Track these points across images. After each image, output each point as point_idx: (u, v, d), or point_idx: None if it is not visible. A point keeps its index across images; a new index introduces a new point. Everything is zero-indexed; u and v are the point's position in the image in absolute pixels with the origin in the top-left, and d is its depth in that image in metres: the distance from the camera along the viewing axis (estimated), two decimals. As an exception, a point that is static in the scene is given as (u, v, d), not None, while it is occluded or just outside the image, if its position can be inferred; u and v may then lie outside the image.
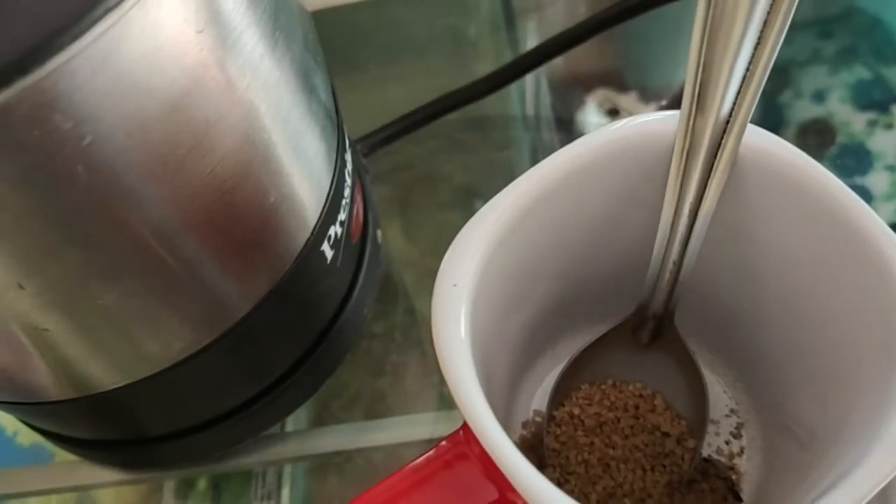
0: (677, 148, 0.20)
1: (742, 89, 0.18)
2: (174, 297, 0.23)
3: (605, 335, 0.25)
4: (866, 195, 0.35)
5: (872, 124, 0.37)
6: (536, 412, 0.28)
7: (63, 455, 0.34)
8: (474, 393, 0.18)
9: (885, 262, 0.19)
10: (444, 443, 0.20)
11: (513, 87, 0.39)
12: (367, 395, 0.33)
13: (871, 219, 0.19)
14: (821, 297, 0.22)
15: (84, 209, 0.18)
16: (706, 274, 0.23)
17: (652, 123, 0.21)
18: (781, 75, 0.39)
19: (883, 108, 0.37)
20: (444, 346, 0.19)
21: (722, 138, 0.20)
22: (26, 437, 0.35)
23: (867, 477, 0.18)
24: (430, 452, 0.20)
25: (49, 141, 0.16)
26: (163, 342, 0.24)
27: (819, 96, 0.38)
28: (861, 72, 0.38)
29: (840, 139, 0.37)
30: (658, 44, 0.42)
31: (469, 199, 0.35)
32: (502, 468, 0.18)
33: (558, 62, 0.41)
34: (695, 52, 0.18)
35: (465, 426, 0.20)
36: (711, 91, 0.19)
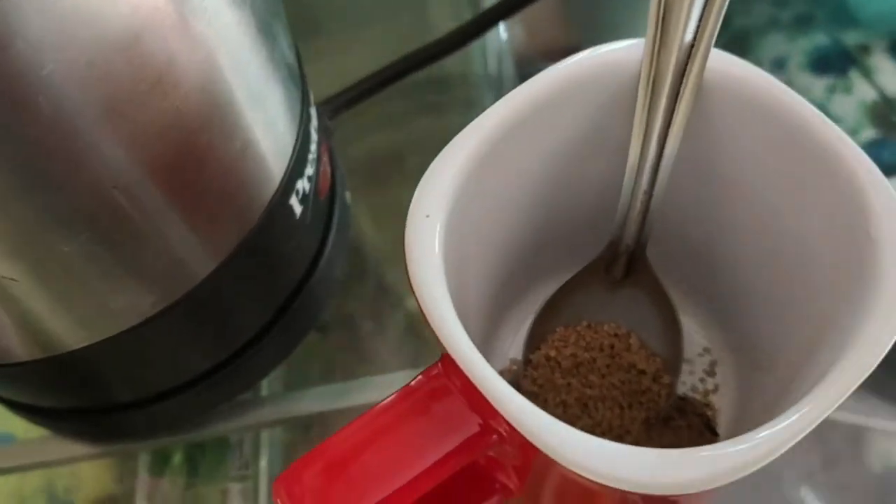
0: (643, 75, 0.20)
1: (705, 13, 0.19)
2: (138, 249, 0.22)
3: (578, 274, 0.25)
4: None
5: (831, 89, 0.37)
6: (513, 360, 0.28)
7: (29, 436, 0.33)
8: (452, 321, 0.18)
9: (855, 181, 0.19)
10: (420, 377, 0.20)
11: (475, 51, 0.39)
12: (343, 357, 0.33)
13: (840, 138, 0.20)
14: (791, 224, 0.22)
15: (46, 145, 0.18)
16: (676, 207, 0.24)
17: (616, 52, 0.21)
18: (741, 43, 0.39)
19: (841, 72, 0.38)
20: (419, 277, 0.19)
21: (687, 64, 0.20)
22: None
23: (837, 381, 0.18)
24: (407, 386, 0.20)
25: (9, 67, 0.16)
26: (128, 298, 0.24)
27: (778, 63, 0.39)
28: (818, 37, 0.39)
29: None
30: (616, 10, 0.43)
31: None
32: (485, 393, 0.18)
33: (519, 33, 0.41)
34: (657, -26, 0.18)
35: (443, 358, 0.20)
36: (675, 16, 0.19)
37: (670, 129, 0.21)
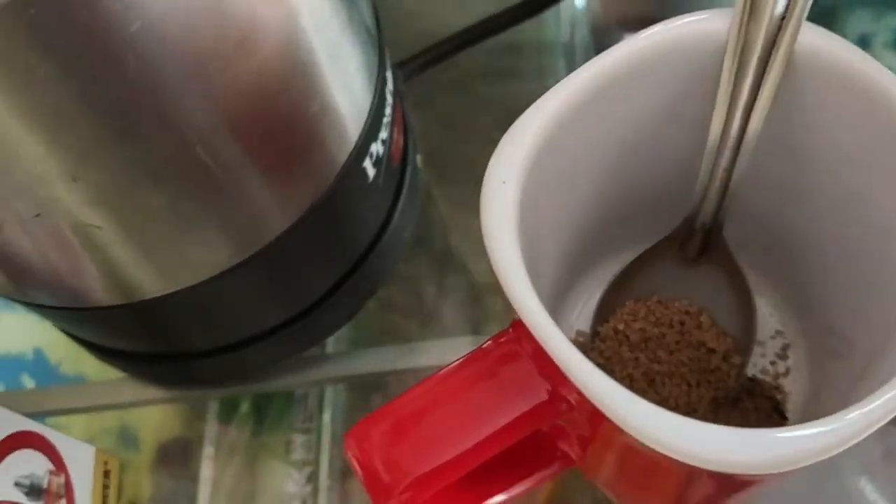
0: (730, 46, 0.20)
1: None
2: (218, 204, 0.23)
3: (651, 249, 0.25)
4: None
5: None
6: (579, 332, 0.27)
7: (101, 377, 0.34)
8: (526, 287, 0.18)
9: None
10: (490, 342, 0.20)
11: (549, 18, 0.38)
12: (408, 319, 0.34)
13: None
14: (876, 207, 0.21)
15: (134, 101, 0.18)
16: (756, 185, 0.23)
17: (701, 23, 0.20)
18: (827, 20, 0.38)
19: None
20: (494, 242, 0.19)
21: (776, 36, 0.19)
22: (69, 366, 0.36)
23: None
24: (477, 350, 0.20)
25: (99, 24, 0.16)
26: (206, 250, 0.24)
27: (863, 41, 0.37)
28: None
29: None
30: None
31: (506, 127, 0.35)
32: (558, 361, 0.18)
33: (596, 6, 0.40)
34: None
35: (514, 324, 0.20)
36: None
37: (756, 104, 0.20)
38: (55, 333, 0.32)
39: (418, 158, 0.34)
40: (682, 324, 0.25)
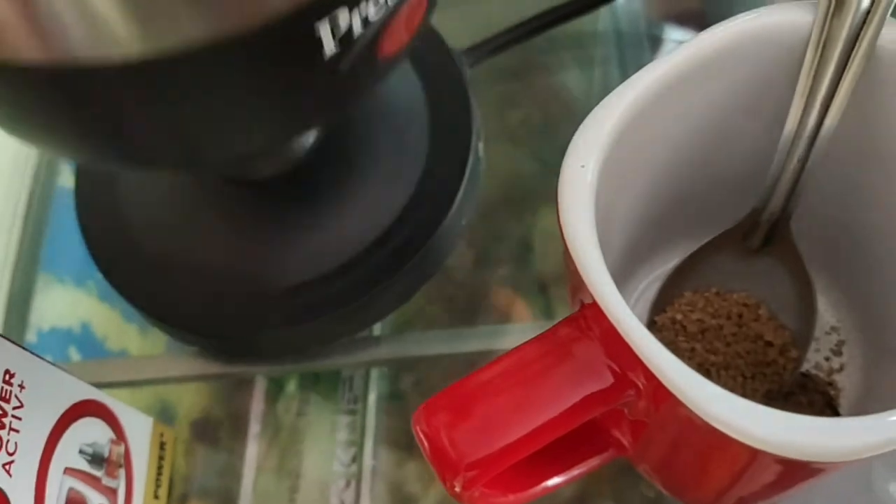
0: (813, 39, 0.20)
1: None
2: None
3: (714, 240, 0.25)
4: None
5: None
6: (634, 321, 0.28)
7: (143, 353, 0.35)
8: (602, 270, 0.19)
9: None
10: (559, 324, 0.20)
11: (602, 11, 0.39)
12: (459, 303, 0.34)
13: None
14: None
15: None
16: (823, 179, 0.23)
17: (786, 13, 0.20)
18: None
19: None
20: (572, 223, 0.19)
21: (860, 30, 0.19)
22: (114, 341, 0.36)
23: None
24: (547, 332, 0.20)
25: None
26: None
27: None
28: None
29: None
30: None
31: (571, 114, 0.35)
32: (632, 343, 0.18)
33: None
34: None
35: (584, 307, 0.20)
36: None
37: (834, 99, 0.20)
38: (103, 308, 0.32)
39: (480, 146, 0.34)
40: (740, 316, 0.25)
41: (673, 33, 0.38)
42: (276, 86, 0.21)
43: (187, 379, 0.34)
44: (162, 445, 0.30)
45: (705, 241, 0.26)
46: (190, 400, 0.34)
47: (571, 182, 0.19)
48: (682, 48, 0.20)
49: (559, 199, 0.19)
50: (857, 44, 0.19)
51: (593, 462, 0.25)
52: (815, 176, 0.22)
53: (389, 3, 0.22)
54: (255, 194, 0.31)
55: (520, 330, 0.33)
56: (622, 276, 0.27)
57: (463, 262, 0.35)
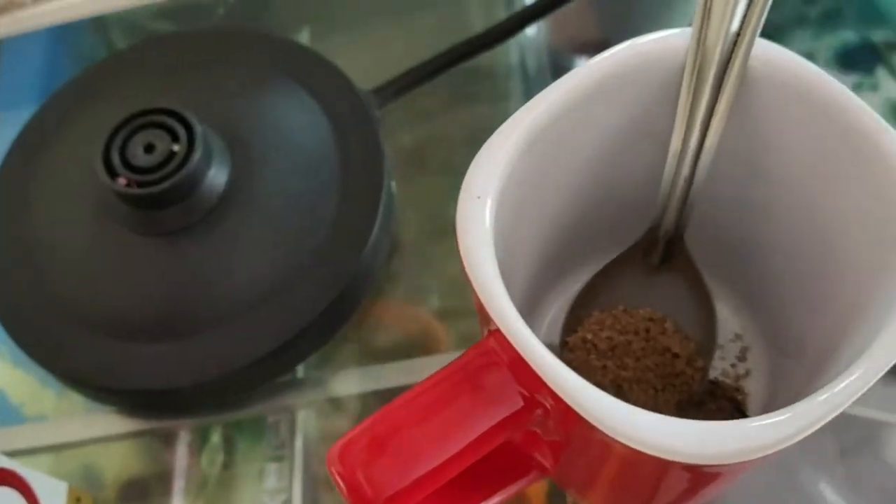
0: (688, 64, 0.21)
1: (752, 2, 0.19)
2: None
3: (616, 259, 0.26)
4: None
5: (858, 87, 0.38)
6: (549, 344, 0.28)
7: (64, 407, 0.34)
8: (503, 297, 0.19)
9: (894, 171, 0.20)
10: (468, 352, 0.21)
11: (508, 44, 0.40)
12: (379, 340, 0.34)
13: (883, 129, 0.20)
14: (827, 213, 0.22)
15: None
16: (715, 195, 0.24)
17: (660, 42, 0.21)
18: (768, 39, 0.40)
19: (868, 69, 0.38)
20: (471, 255, 0.19)
21: (732, 51, 0.20)
22: (32, 408, 0.35)
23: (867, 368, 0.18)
24: (456, 360, 0.21)
25: None
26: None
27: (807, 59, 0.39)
28: (845, 35, 0.39)
29: None
30: (645, 3, 0.43)
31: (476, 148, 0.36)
32: (534, 366, 0.18)
33: (548, 26, 0.42)
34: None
35: (490, 335, 0.20)
36: (721, 5, 0.19)
37: (713, 119, 0.21)
38: (17, 374, 0.32)
39: (393, 185, 0.34)
40: (647, 331, 0.26)
41: (578, 64, 0.40)
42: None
43: (108, 439, 0.34)
44: (79, 510, 0.29)
45: (611, 259, 0.26)
46: (117, 461, 0.33)
47: (469, 215, 0.20)
48: (569, 76, 0.21)
49: (458, 233, 0.20)
50: (730, 65, 0.20)
51: (517, 486, 0.25)
52: (707, 192, 0.23)
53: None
54: (165, 244, 0.31)
55: (441, 360, 0.33)
56: (534, 299, 0.28)
57: (384, 298, 0.35)
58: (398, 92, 0.36)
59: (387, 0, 0.43)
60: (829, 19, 0.40)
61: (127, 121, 0.31)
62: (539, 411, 0.20)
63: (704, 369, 0.26)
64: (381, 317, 0.34)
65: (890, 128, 0.20)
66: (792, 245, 0.24)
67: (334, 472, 0.20)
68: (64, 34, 0.45)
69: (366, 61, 0.40)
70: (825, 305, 0.23)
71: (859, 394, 0.17)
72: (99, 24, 0.45)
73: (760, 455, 0.17)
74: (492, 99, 0.39)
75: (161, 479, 0.33)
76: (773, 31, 0.39)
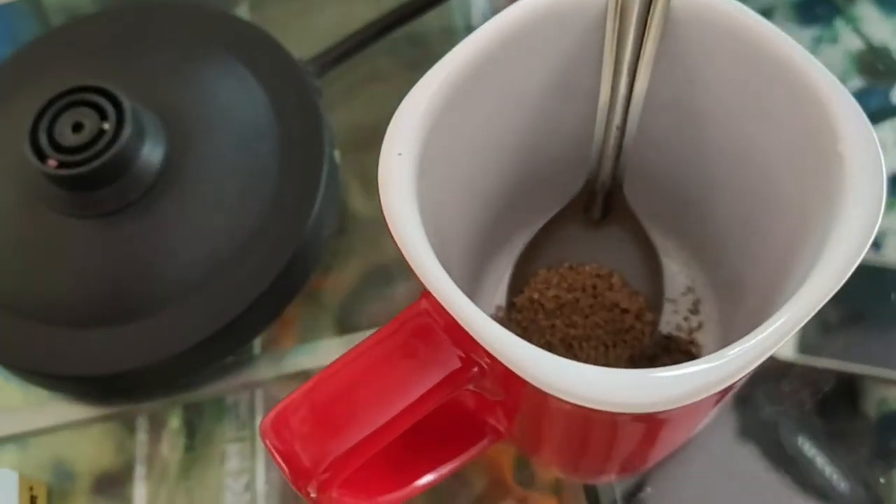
0: (610, 8, 0.20)
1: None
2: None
3: (557, 215, 0.25)
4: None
5: (818, 40, 0.37)
6: (498, 307, 0.28)
7: (31, 400, 0.34)
8: (428, 254, 0.18)
9: (823, 100, 0.19)
10: (401, 314, 0.20)
11: (455, 4, 0.39)
12: (332, 313, 0.33)
13: (807, 59, 0.20)
14: (764, 151, 0.22)
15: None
16: (650, 144, 0.24)
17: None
18: None
19: (827, 21, 0.38)
20: (394, 213, 0.19)
21: (653, -7, 0.20)
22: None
23: (803, 299, 0.18)
24: (390, 323, 0.20)
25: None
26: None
27: (765, 13, 0.37)
28: None
29: None
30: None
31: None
32: (463, 324, 0.18)
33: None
34: None
35: (424, 294, 0.20)
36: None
37: (640, 63, 0.21)
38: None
39: (336, 154, 0.34)
40: (594, 287, 0.26)
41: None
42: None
43: (71, 426, 0.33)
44: (33, 500, 0.29)
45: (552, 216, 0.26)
46: (83, 450, 0.33)
47: (390, 171, 0.19)
48: (484, 28, 0.20)
49: (380, 190, 0.19)
50: (652, 7, 0.20)
51: (468, 453, 0.25)
52: (642, 140, 0.23)
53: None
54: (103, 226, 0.30)
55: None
56: (480, 261, 0.27)
57: (333, 272, 0.34)
58: (337, 59, 0.35)
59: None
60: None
61: (53, 101, 0.30)
62: (476, 370, 0.20)
63: (654, 323, 0.26)
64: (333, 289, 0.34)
65: (816, 61, 0.20)
66: (732, 188, 0.24)
67: (269, 444, 0.19)
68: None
69: (308, 30, 0.39)
70: (766, 249, 0.23)
71: (789, 335, 0.17)
72: (34, 6, 0.43)
73: (682, 403, 0.16)
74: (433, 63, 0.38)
75: (124, 467, 0.32)
76: None
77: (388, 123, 0.20)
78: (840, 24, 0.38)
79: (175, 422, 0.33)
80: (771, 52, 0.20)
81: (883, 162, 0.18)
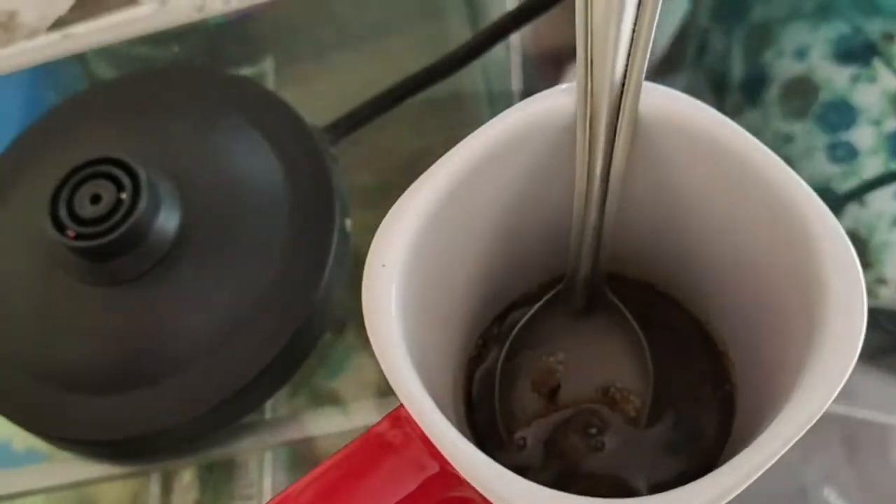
0: (579, 116, 0.20)
1: (632, 48, 0.19)
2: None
3: (544, 305, 0.25)
4: (852, 150, 0.35)
5: (855, 79, 0.37)
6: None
7: (58, 456, 0.35)
8: (406, 373, 0.19)
9: (804, 222, 0.19)
10: (382, 422, 0.21)
11: (477, 65, 0.39)
12: (340, 381, 0.34)
13: (788, 176, 0.19)
14: (748, 256, 0.22)
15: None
16: (632, 239, 0.24)
17: (550, 98, 0.21)
18: (763, 34, 0.39)
19: (865, 61, 0.37)
20: (376, 331, 0.19)
21: (620, 101, 0.20)
22: (20, 442, 0.36)
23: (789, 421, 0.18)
24: (367, 433, 0.20)
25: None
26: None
27: (801, 53, 0.38)
28: (840, 26, 0.38)
29: (823, 95, 0.37)
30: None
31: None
32: (438, 445, 0.18)
33: (528, 40, 0.41)
34: (580, 16, 0.18)
35: (400, 407, 0.20)
36: (600, 53, 0.19)
37: (612, 165, 0.21)
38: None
39: (347, 223, 0.34)
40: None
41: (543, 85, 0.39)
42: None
43: (91, 482, 0.34)
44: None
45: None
46: (111, 499, 0.34)
47: (374, 284, 0.20)
48: (463, 143, 0.21)
49: (363, 302, 0.20)
50: (620, 114, 0.20)
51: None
52: (621, 237, 0.23)
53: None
54: (119, 295, 0.32)
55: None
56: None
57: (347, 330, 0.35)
58: (352, 127, 0.35)
59: (353, 28, 0.42)
60: (824, 11, 0.39)
61: (71, 174, 0.31)
62: (455, 480, 0.20)
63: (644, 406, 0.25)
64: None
65: (795, 176, 0.19)
66: (720, 290, 0.23)
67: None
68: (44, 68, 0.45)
69: (330, 92, 0.39)
70: (753, 343, 0.23)
71: (765, 466, 0.17)
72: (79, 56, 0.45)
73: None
74: (455, 129, 0.38)
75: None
76: (766, 25, 0.38)
77: (403, 187, 0.20)
78: (879, 64, 0.37)
79: (187, 476, 0.34)
80: (746, 164, 0.20)
81: (863, 284, 0.18)
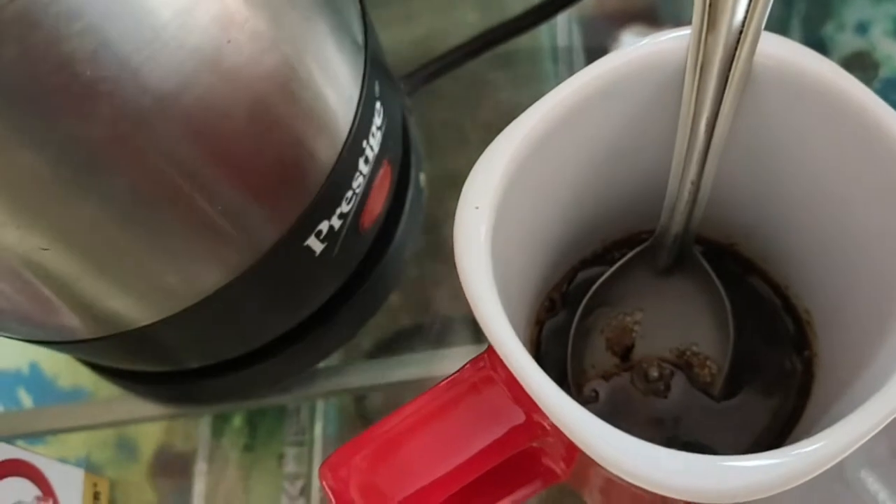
0: (690, 62, 0.20)
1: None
2: (199, 229, 0.23)
3: (624, 264, 0.25)
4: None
5: None
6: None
7: (102, 393, 0.35)
8: (498, 315, 0.18)
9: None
10: (466, 367, 0.20)
11: (542, 28, 0.38)
12: (402, 330, 0.34)
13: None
14: (851, 215, 0.21)
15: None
16: (728, 197, 0.23)
17: (662, 43, 0.20)
18: (824, 7, 0.38)
19: None
20: (467, 270, 0.19)
21: (736, 49, 0.19)
22: (66, 379, 0.36)
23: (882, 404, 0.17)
24: (454, 376, 0.20)
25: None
26: (188, 277, 0.24)
27: (862, 28, 0.37)
28: None
29: (883, 72, 0.36)
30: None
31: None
32: (527, 389, 0.18)
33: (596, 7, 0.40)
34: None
35: (489, 350, 0.20)
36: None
37: (718, 118, 0.20)
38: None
39: (422, 177, 0.34)
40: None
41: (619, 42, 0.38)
42: (280, 292, 0.26)
43: (138, 420, 0.34)
44: (96, 496, 0.30)
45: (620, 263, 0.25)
46: (151, 434, 0.34)
47: (466, 225, 0.19)
48: (569, 83, 0.20)
49: (454, 244, 0.19)
50: (734, 62, 0.19)
51: (524, 492, 0.25)
52: (718, 195, 0.22)
53: (357, 191, 0.26)
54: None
55: (465, 354, 0.33)
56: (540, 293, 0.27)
57: (407, 289, 0.35)
58: (430, 78, 0.35)
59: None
60: (888, -13, 0.38)
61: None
62: (539, 430, 0.20)
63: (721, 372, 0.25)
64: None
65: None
66: (809, 253, 0.23)
67: (326, 485, 0.20)
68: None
69: (406, 36, 0.39)
70: (846, 311, 0.22)
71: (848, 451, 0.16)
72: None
73: (742, 499, 0.16)
74: (526, 83, 0.38)
75: (188, 457, 0.33)
76: (827, 1, 0.37)
77: (475, 145, 0.19)
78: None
79: (238, 421, 0.34)
80: (858, 113, 0.19)
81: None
